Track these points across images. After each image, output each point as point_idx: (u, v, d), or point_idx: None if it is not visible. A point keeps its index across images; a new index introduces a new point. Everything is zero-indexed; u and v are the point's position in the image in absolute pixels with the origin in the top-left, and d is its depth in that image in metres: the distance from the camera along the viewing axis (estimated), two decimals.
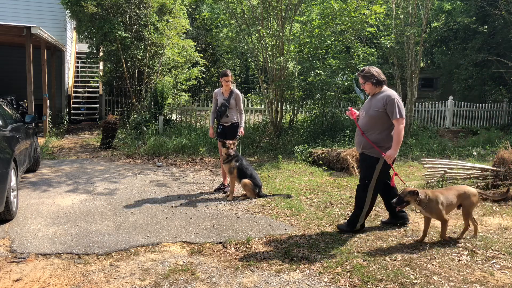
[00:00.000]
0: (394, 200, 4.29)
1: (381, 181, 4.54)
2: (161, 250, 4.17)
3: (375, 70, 4.45)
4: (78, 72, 15.76)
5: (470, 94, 16.47)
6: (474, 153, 9.98)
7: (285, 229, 4.78)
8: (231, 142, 6.02)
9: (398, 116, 4.26)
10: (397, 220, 4.85)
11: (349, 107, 4.89)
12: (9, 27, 9.70)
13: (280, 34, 10.32)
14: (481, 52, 15.57)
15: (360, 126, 4.54)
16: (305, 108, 12.38)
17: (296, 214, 5.29)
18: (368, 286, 3.43)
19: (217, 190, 6.47)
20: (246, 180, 5.96)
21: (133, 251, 4.13)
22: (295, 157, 9.03)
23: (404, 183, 4.83)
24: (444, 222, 4.28)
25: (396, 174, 4.50)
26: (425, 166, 6.99)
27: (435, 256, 3.98)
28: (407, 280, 3.49)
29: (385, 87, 4.48)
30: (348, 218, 4.75)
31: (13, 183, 5.01)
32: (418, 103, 14.31)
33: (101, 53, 13.38)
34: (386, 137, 4.39)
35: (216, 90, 6.44)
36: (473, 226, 4.46)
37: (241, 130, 6.36)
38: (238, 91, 6.42)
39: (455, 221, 5.01)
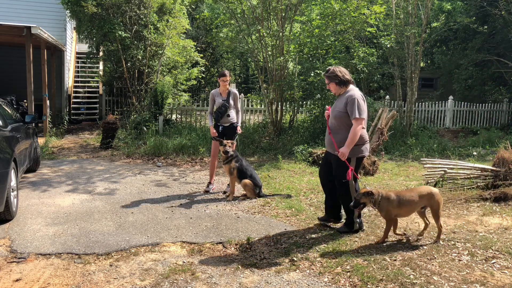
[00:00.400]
0: (351, 203, 4.29)
1: (355, 178, 4.49)
2: (161, 250, 4.17)
3: (339, 71, 4.44)
4: (78, 72, 15.76)
5: (470, 94, 16.47)
6: (474, 153, 9.99)
7: (285, 229, 4.78)
8: (228, 141, 6.02)
9: (356, 116, 4.25)
10: (330, 216, 4.85)
11: (327, 106, 4.87)
12: (9, 27, 9.70)
13: (280, 34, 10.32)
14: (481, 52, 15.57)
15: (329, 126, 4.57)
16: (305, 108, 12.37)
17: (296, 214, 5.29)
18: (368, 286, 3.43)
19: (207, 192, 6.42)
20: (247, 180, 5.96)
21: (133, 251, 4.13)
22: (295, 157, 9.03)
23: (362, 182, 4.70)
24: (389, 222, 4.24)
25: (352, 170, 4.39)
26: (425, 166, 6.99)
27: (435, 256, 3.98)
28: (407, 280, 3.49)
29: (351, 87, 4.47)
30: (344, 221, 4.75)
31: (13, 183, 5.01)
32: (418, 103, 14.31)
33: (101, 53, 13.38)
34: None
35: (213, 91, 6.37)
36: (424, 224, 4.42)
37: (238, 128, 6.40)
38: (235, 91, 6.42)
39: (455, 221, 5.02)
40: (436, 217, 4.26)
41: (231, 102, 6.25)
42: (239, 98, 12.86)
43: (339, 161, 4.40)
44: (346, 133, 4.34)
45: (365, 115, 4.33)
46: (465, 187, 6.40)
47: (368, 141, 4.53)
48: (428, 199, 4.22)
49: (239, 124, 6.45)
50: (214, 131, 6.26)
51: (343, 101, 4.37)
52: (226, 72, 6.24)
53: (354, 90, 4.42)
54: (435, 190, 4.31)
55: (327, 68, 4.55)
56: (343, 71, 4.44)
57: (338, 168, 4.46)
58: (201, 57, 13.88)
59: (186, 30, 13.56)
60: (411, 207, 4.25)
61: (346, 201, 4.52)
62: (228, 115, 6.24)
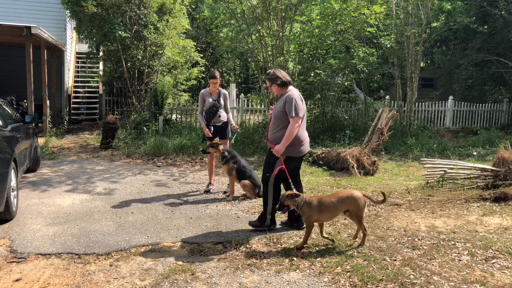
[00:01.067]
0: (277, 206, 4.33)
1: (282, 177, 4.55)
2: (161, 250, 4.17)
3: (280, 73, 4.61)
4: (78, 72, 15.76)
5: (470, 94, 16.47)
6: (474, 153, 9.99)
7: (285, 229, 4.78)
8: (217, 141, 6.03)
9: (293, 115, 4.37)
10: (292, 222, 4.81)
11: (271, 107, 4.98)
12: (9, 27, 9.71)
13: (280, 34, 10.32)
14: (481, 52, 15.57)
15: (270, 126, 4.70)
16: None
17: None
18: (368, 286, 3.43)
19: (207, 192, 6.42)
20: (246, 181, 5.95)
21: (133, 251, 4.13)
22: None
23: (289, 179, 4.53)
24: (309, 227, 4.19)
25: (283, 168, 4.46)
26: (425, 166, 6.99)
27: (435, 256, 3.98)
28: (407, 280, 3.49)
29: (290, 88, 4.60)
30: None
31: (13, 183, 5.01)
32: (418, 103, 14.32)
33: (101, 53, 13.38)
34: None
35: (203, 91, 6.37)
36: (362, 232, 4.30)
37: (234, 125, 6.39)
38: (225, 91, 6.43)
39: (455, 221, 5.02)
40: (358, 220, 4.19)
41: (222, 102, 6.29)
42: (240, 98, 12.94)
43: (270, 158, 4.58)
44: (282, 131, 4.46)
45: (301, 114, 4.43)
46: (465, 187, 6.41)
47: (304, 143, 4.61)
48: (348, 203, 4.15)
49: (233, 122, 6.48)
50: (208, 130, 6.24)
51: (282, 101, 4.51)
52: (217, 73, 6.26)
53: (292, 91, 4.56)
54: (356, 194, 4.19)
55: (268, 71, 4.75)
56: (283, 73, 4.61)
57: (268, 164, 4.61)
58: (201, 57, 13.89)
59: (186, 30, 13.56)
60: (332, 212, 4.20)
61: (264, 196, 4.69)
62: (219, 115, 6.27)
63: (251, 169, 6.22)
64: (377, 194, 6.36)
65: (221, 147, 5.99)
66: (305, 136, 4.61)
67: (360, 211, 4.15)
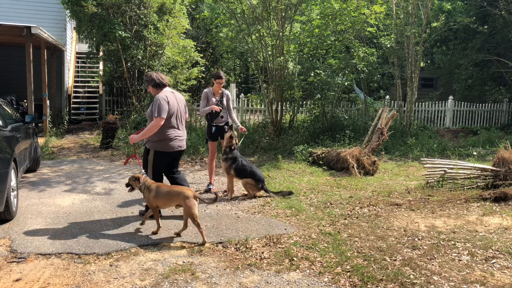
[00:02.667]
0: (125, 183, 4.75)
1: (159, 170, 4.95)
2: (161, 250, 4.17)
3: (156, 75, 4.87)
4: (78, 72, 15.76)
5: (470, 94, 16.48)
6: (474, 153, 9.99)
7: (285, 229, 4.78)
8: (233, 133, 6.04)
9: (155, 115, 4.66)
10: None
11: None
12: (9, 27, 9.70)
13: (280, 34, 10.32)
14: (481, 52, 15.58)
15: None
16: (305, 108, 12.38)
17: (296, 214, 5.29)
18: (368, 286, 3.43)
19: (207, 192, 6.42)
20: (247, 179, 5.96)
21: (133, 251, 4.13)
22: (295, 157, 9.03)
23: (141, 166, 5.03)
24: (153, 209, 4.56)
25: (134, 157, 5.07)
26: (425, 166, 6.99)
27: (435, 256, 3.98)
28: (407, 280, 3.49)
29: (165, 89, 4.84)
30: None
31: (13, 183, 5.00)
32: (418, 103, 14.32)
33: (101, 53, 13.38)
34: (156, 133, 4.73)
35: (206, 90, 6.34)
36: (183, 225, 4.49)
37: (241, 127, 6.34)
38: (227, 91, 6.43)
39: (455, 221, 5.02)
40: (190, 218, 4.32)
41: (224, 102, 6.30)
42: (240, 98, 12.94)
43: (145, 155, 4.95)
44: (156, 132, 4.72)
45: (164, 114, 4.64)
46: (465, 187, 6.41)
47: (174, 139, 4.86)
48: (179, 199, 4.38)
49: (239, 124, 6.45)
50: (217, 107, 6.17)
51: (153, 102, 4.77)
52: (222, 73, 6.26)
53: (163, 92, 4.78)
54: (187, 193, 4.35)
55: (146, 73, 4.98)
56: (159, 76, 4.87)
57: (143, 160, 5.03)
58: (201, 57, 13.87)
59: (186, 30, 13.55)
60: (166, 201, 4.50)
61: None
62: (222, 116, 6.29)
63: (251, 165, 6.18)
64: (377, 194, 6.37)
65: (235, 139, 6.01)
66: (177, 133, 4.87)
67: (188, 208, 4.32)
